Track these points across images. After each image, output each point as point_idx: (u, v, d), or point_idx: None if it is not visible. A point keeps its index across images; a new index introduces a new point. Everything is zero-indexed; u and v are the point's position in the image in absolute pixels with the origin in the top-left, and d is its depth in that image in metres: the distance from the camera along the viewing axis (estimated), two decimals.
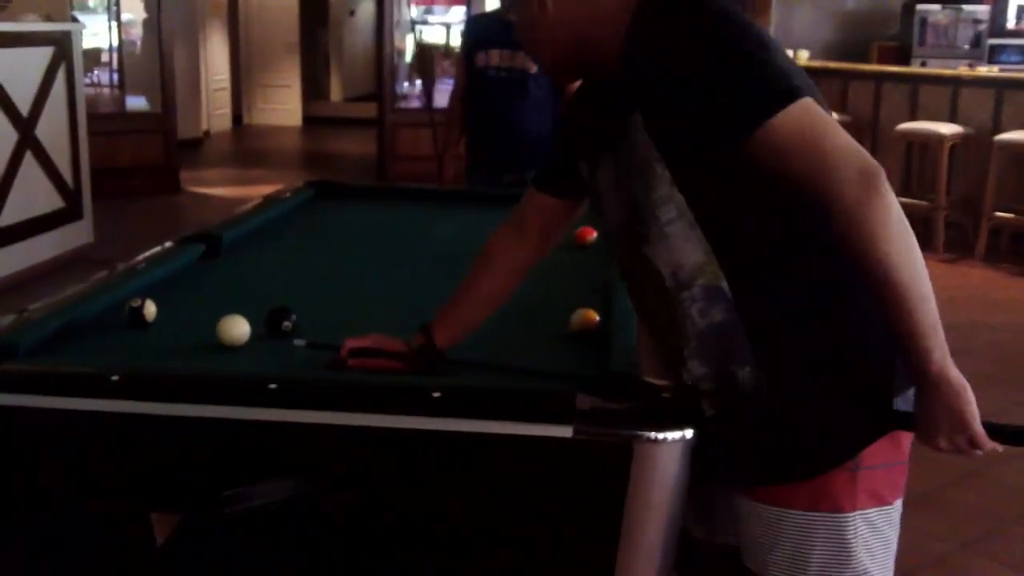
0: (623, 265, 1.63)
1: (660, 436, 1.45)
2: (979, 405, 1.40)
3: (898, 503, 1.54)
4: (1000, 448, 1.41)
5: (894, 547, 1.54)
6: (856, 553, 1.49)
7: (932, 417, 1.40)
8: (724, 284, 1.46)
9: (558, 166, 1.77)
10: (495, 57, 4.09)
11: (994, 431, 1.40)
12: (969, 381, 1.39)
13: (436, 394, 1.52)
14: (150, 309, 1.99)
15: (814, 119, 1.37)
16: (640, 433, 1.45)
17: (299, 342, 1.82)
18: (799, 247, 1.46)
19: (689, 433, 1.46)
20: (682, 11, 1.44)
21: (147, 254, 2.43)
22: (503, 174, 3.99)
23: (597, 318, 1.96)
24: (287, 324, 1.91)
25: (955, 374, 1.37)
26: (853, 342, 1.47)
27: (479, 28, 4.38)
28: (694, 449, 1.46)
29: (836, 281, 1.44)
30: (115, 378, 1.57)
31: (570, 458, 1.47)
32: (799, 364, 1.47)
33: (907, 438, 1.52)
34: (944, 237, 6.85)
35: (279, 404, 1.53)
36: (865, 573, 1.50)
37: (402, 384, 1.63)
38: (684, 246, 1.47)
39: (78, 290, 2.13)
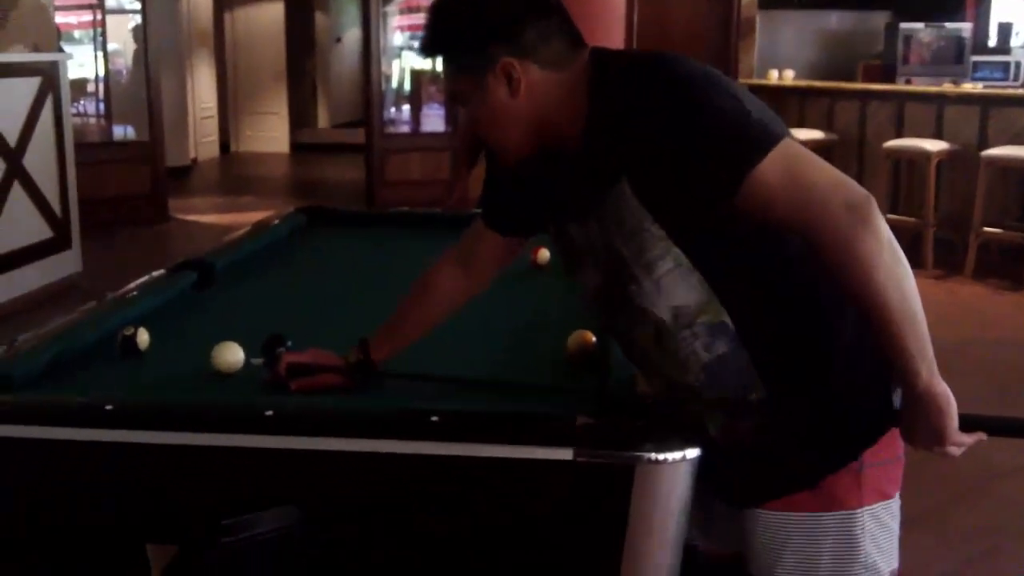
0: (608, 320, 1.64)
1: (662, 457, 1.44)
2: None
3: (897, 495, 1.59)
4: (985, 437, 1.45)
5: (897, 536, 1.59)
6: (864, 547, 1.54)
7: (914, 426, 1.44)
8: (727, 318, 1.49)
9: (508, 206, 1.77)
10: None
11: (974, 423, 1.44)
12: (963, 399, 1.43)
13: (434, 418, 1.51)
14: (143, 337, 1.98)
15: (796, 158, 1.39)
16: (641, 454, 1.44)
17: (256, 360, 1.82)
18: (793, 272, 1.49)
19: (691, 452, 1.45)
20: (648, 81, 1.44)
21: (138, 282, 2.41)
22: None
23: (594, 339, 1.95)
24: (281, 351, 1.90)
25: (941, 389, 1.40)
26: (852, 351, 1.50)
27: None
28: (696, 468, 1.46)
29: (832, 297, 1.46)
30: (109, 407, 1.56)
31: (571, 480, 1.45)
32: (802, 379, 1.51)
33: None
34: (933, 254, 6.85)
35: (275, 431, 1.52)
36: (873, 565, 1.55)
37: (400, 409, 1.61)
38: (683, 290, 1.49)
39: (70, 319, 2.11)
